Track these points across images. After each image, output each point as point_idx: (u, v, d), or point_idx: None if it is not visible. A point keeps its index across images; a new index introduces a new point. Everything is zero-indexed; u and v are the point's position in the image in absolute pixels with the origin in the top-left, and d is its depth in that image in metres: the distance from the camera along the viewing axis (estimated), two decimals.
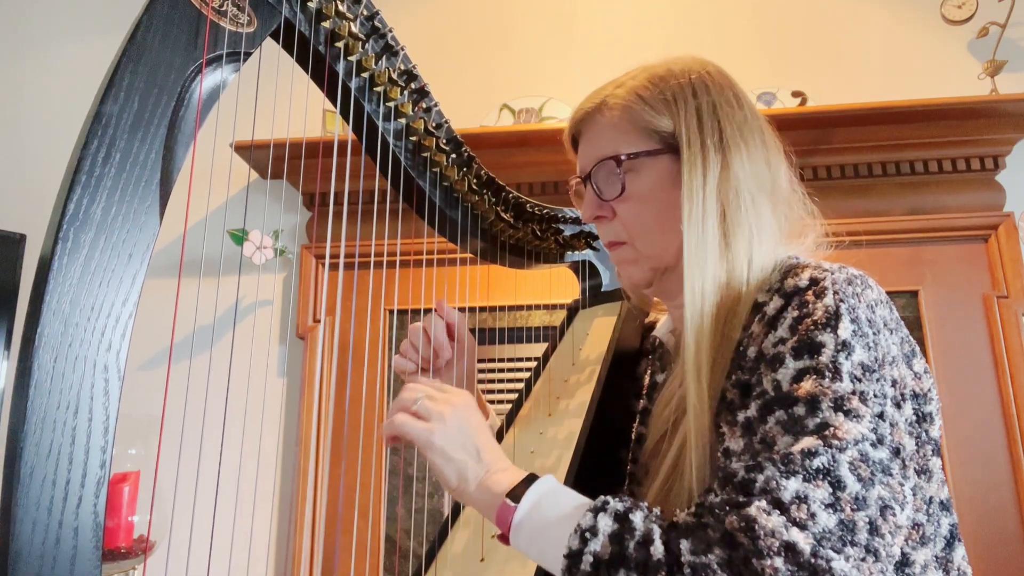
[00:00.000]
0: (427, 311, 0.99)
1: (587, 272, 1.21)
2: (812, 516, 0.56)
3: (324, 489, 1.92)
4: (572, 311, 1.20)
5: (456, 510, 0.92)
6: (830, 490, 0.57)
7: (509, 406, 1.05)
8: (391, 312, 2.01)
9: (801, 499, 0.57)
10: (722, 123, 0.79)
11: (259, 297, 2.10)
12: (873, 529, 0.57)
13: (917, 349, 0.74)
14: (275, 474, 1.98)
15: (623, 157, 0.81)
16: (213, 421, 1.63)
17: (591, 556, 0.61)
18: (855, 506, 0.57)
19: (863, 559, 0.56)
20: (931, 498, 0.72)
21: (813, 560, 0.54)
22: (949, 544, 0.73)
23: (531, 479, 0.69)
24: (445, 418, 0.71)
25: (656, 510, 0.65)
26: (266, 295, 2.11)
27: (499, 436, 0.99)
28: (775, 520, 0.56)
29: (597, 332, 1.08)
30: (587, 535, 0.62)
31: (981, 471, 1.78)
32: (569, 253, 1.15)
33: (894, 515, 0.59)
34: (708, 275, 0.75)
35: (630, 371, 1.01)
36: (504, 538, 0.69)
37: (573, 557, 0.62)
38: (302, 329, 2.05)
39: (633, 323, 1.06)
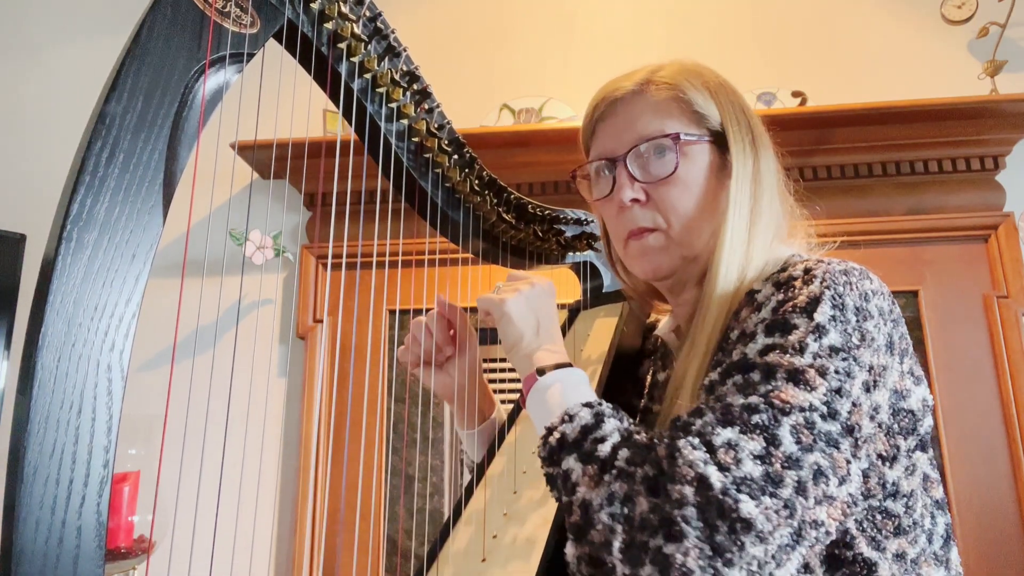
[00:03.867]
0: (428, 310, 0.99)
1: (588, 273, 1.21)
2: (738, 462, 0.58)
3: (325, 489, 1.92)
4: (573, 312, 1.20)
5: (457, 510, 0.92)
6: (763, 444, 0.59)
7: (511, 406, 1.05)
8: (391, 312, 2.01)
9: (731, 446, 0.59)
10: (751, 122, 0.83)
11: (260, 297, 2.10)
12: (799, 489, 0.58)
13: (911, 349, 0.74)
14: (276, 474, 1.98)
15: (683, 136, 0.80)
16: (214, 421, 1.63)
17: (559, 434, 0.69)
18: (786, 464, 0.58)
19: (777, 512, 0.56)
20: (912, 492, 0.71)
21: (721, 497, 0.56)
22: (947, 543, 0.73)
23: (565, 365, 0.78)
24: (521, 290, 0.83)
25: (634, 426, 0.70)
26: (267, 295, 2.11)
27: (501, 435, 0.99)
28: (696, 454, 0.59)
29: (598, 333, 1.08)
30: (566, 418, 0.70)
31: (981, 471, 1.78)
32: (571, 254, 1.15)
33: (826, 484, 0.59)
34: (735, 263, 0.77)
35: (631, 371, 1.01)
36: (523, 400, 0.78)
37: (549, 431, 0.71)
38: (302, 329, 2.05)
39: (634, 324, 1.06)
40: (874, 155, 1.93)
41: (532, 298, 0.83)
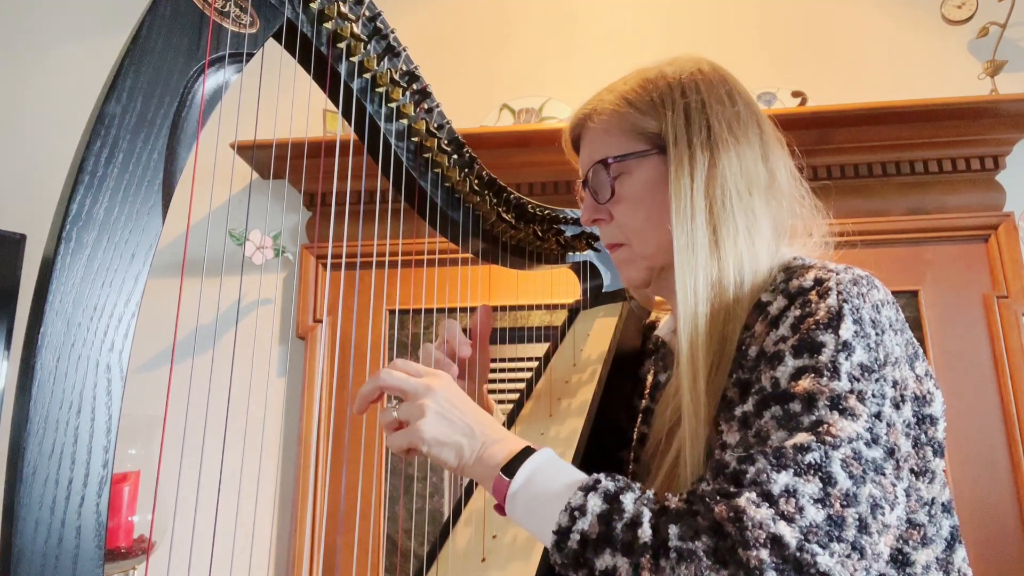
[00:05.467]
0: (429, 311, 0.99)
1: (588, 273, 1.21)
2: (800, 510, 0.56)
3: (324, 489, 1.92)
4: (573, 312, 1.20)
5: (457, 510, 0.92)
6: (820, 485, 0.57)
7: (511, 406, 1.05)
8: (391, 312, 2.01)
9: (790, 493, 0.57)
10: (711, 120, 0.79)
11: (260, 297, 2.10)
12: (862, 527, 0.57)
13: (920, 351, 0.74)
14: (275, 474, 1.98)
15: (610, 160, 0.83)
16: (213, 421, 1.63)
17: (578, 535, 0.62)
18: (845, 502, 0.57)
19: (848, 556, 0.56)
20: (933, 499, 0.72)
21: (798, 554, 0.55)
22: (950, 546, 0.73)
23: (527, 452, 0.70)
24: (425, 412, 0.71)
25: (649, 492, 0.65)
26: (266, 295, 2.11)
27: None
28: (763, 512, 0.56)
29: (598, 332, 1.08)
30: (576, 514, 0.63)
31: (981, 471, 1.78)
32: (570, 254, 1.15)
33: (883, 515, 0.59)
34: (699, 274, 0.75)
35: (632, 371, 1.01)
36: (500, 508, 0.70)
37: (561, 534, 0.63)
38: (302, 329, 2.05)
39: (634, 323, 1.06)
40: (874, 155, 1.93)
41: (443, 406, 0.72)
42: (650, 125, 0.81)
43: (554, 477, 0.68)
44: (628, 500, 0.63)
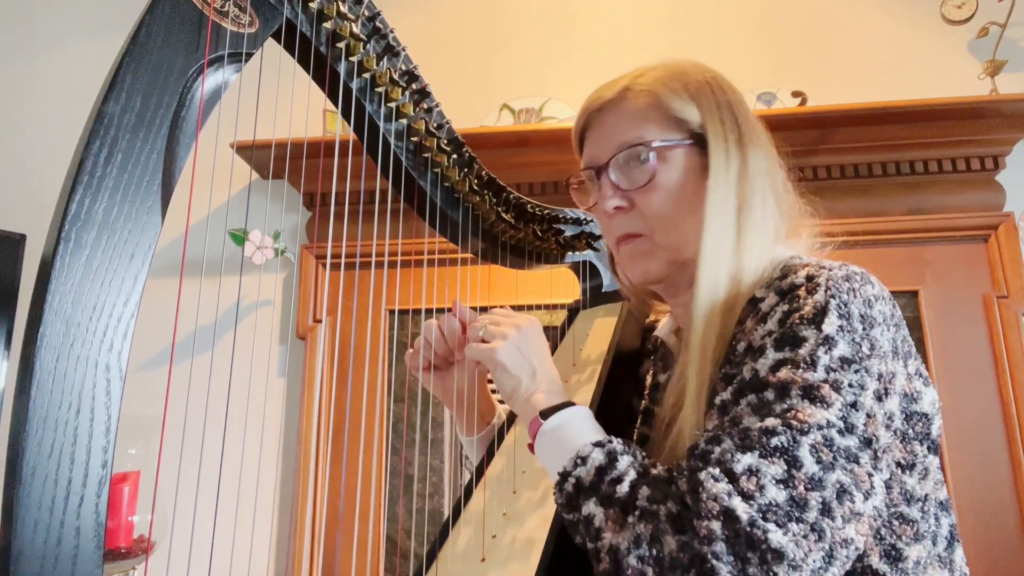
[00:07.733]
0: (429, 311, 0.99)
1: (588, 273, 1.21)
2: (761, 488, 0.58)
3: (324, 489, 1.92)
4: (573, 312, 1.20)
5: (457, 510, 0.92)
6: (784, 467, 0.58)
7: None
8: (391, 312, 2.01)
9: (752, 472, 0.58)
10: (739, 120, 0.81)
11: (260, 297, 2.10)
12: (825, 510, 0.58)
13: (914, 350, 0.74)
14: (275, 474, 1.98)
15: (656, 143, 0.80)
16: (213, 421, 1.63)
17: (575, 479, 0.69)
18: (809, 486, 0.58)
19: (805, 536, 0.56)
20: (926, 496, 0.72)
21: (749, 529, 0.56)
22: (950, 544, 0.73)
23: (567, 405, 0.78)
24: (508, 337, 0.83)
25: (647, 460, 0.70)
26: (266, 295, 2.11)
27: (500, 434, 0.99)
28: (720, 487, 0.58)
29: (598, 332, 1.08)
30: (579, 461, 0.70)
31: (981, 471, 1.78)
32: (570, 254, 1.15)
33: (852, 501, 0.59)
34: (722, 266, 0.76)
35: (631, 371, 1.01)
36: (531, 447, 0.78)
37: (563, 476, 0.70)
38: (302, 329, 2.05)
39: (634, 324, 1.06)
40: (874, 155, 1.93)
41: (522, 342, 0.83)
42: (691, 114, 0.80)
43: (580, 430, 0.75)
44: (624, 460, 0.68)
